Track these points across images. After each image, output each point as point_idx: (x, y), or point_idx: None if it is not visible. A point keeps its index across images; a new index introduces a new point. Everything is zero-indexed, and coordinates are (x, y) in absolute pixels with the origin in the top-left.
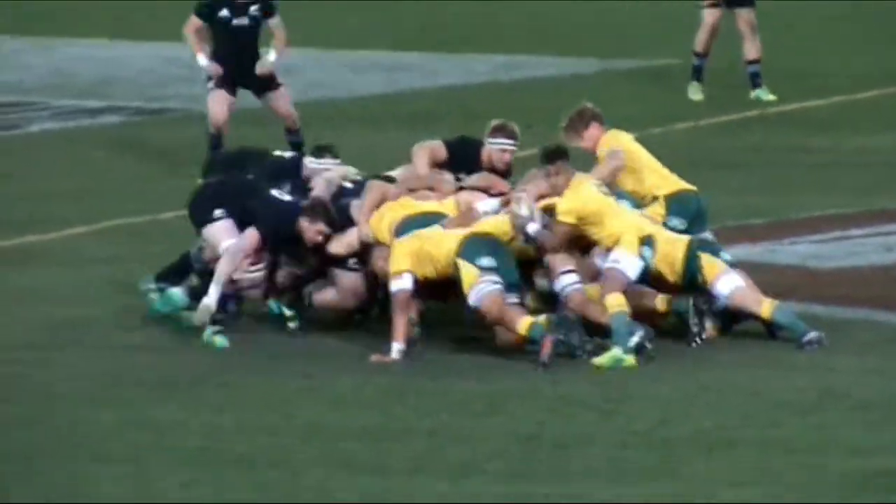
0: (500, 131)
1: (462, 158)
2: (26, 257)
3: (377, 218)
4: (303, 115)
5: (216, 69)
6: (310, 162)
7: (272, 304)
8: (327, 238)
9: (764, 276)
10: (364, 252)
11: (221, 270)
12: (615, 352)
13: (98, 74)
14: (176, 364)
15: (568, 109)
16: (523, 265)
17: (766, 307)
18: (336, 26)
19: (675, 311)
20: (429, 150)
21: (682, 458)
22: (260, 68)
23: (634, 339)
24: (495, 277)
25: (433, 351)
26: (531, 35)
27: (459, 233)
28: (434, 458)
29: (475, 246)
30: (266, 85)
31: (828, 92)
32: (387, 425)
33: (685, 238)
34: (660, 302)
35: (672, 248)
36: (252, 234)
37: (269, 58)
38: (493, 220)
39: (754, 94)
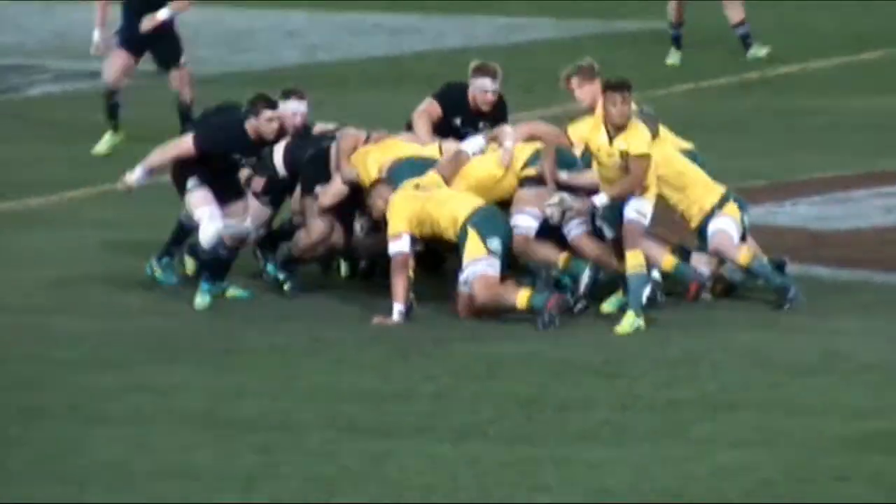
0: (479, 71)
1: (451, 104)
2: (27, 220)
3: (360, 156)
4: (304, 77)
5: (101, 50)
6: (280, 106)
7: (270, 267)
8: (282, 125)
9: (765, 238)
10: (354, 197)
11: (150, 158)
12: (630, 315)
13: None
14: (177, 327)
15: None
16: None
17: (744, 255)
18: None
19: (677, 275)
20: (425, 114)
21: (684, 420)
22: (145, 24)
23: (646, 294)
24: (496, 262)
25: (435, 314)
26: None
27: (464, 199)
28: (436, 420)
29: (487, 221)
30: (169, 60)
31: (829, 53)
32: (389, 388)
33: (721, 187)
34: (666, 262)
35: (706, 193)
36: (186, 139)
37: (158, 15)
38: (482, 159)
39: (749, 54)
